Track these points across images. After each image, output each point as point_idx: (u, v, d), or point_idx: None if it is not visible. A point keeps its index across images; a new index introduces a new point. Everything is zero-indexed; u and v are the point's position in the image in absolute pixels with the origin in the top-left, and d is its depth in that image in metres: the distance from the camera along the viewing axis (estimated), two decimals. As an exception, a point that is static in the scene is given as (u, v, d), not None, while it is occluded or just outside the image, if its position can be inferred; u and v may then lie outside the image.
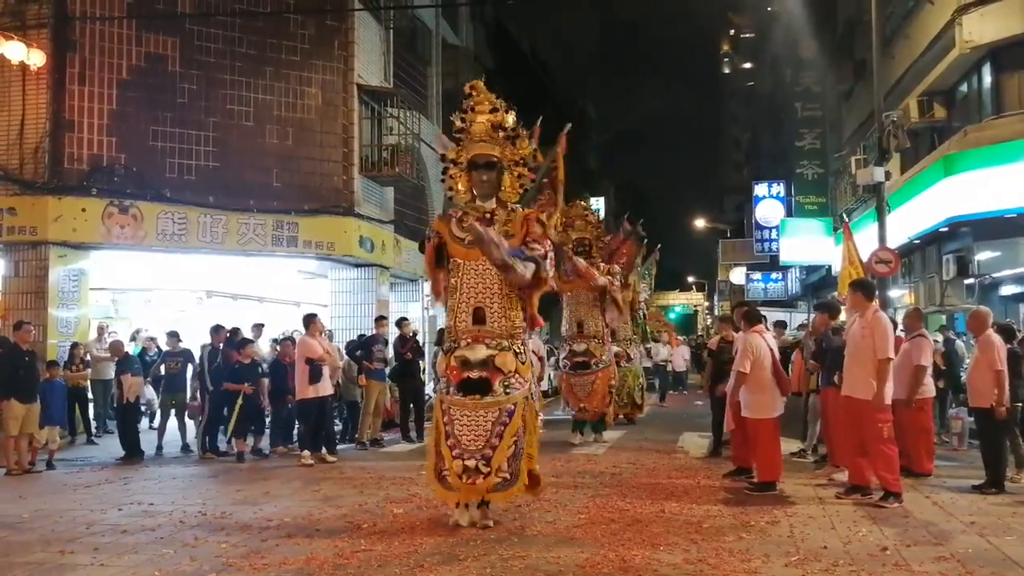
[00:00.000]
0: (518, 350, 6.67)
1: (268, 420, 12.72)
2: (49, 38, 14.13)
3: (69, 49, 14.32)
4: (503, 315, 6.62)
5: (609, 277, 13.02)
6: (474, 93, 6.89)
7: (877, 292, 9.61)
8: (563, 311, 13.17)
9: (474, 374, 6.52)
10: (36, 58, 13.66)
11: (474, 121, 6.85)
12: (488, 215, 6.80)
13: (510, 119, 6.89)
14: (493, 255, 6.32)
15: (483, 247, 6.31)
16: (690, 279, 64.18)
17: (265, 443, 12.18)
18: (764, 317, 12.57)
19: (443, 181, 7.23)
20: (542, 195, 7.97)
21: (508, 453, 6.44)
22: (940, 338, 12.32)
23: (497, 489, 6.52)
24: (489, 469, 6.40)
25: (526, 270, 6.47)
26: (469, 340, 6.63)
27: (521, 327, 6.75)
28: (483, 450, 6.41)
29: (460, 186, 7.10)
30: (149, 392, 13.20)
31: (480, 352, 6.55)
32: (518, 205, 6.97)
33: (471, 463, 6.40)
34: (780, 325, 14.14)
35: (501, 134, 6.85)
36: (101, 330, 14.54)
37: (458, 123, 6.94)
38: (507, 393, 6.50)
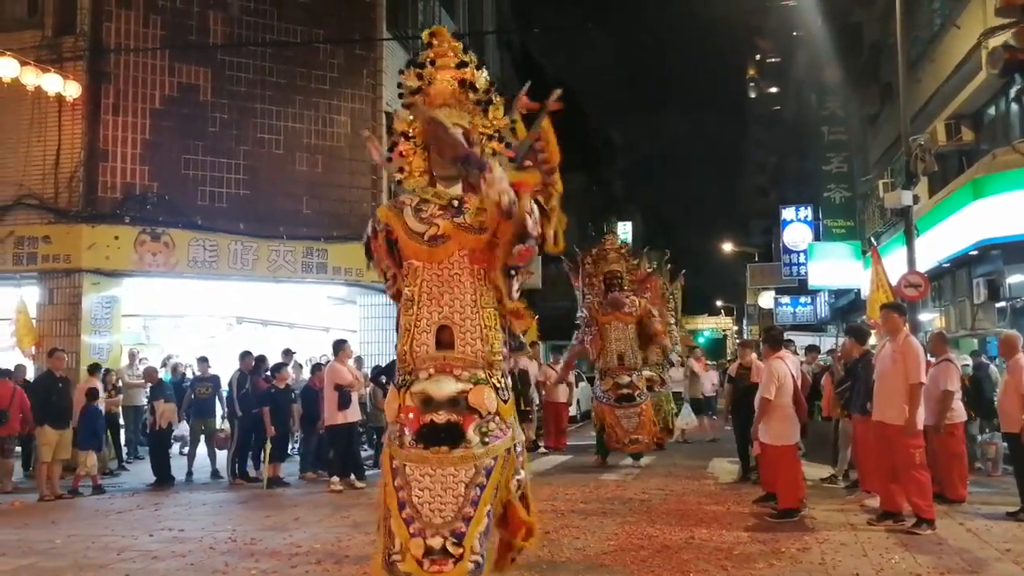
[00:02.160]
0: (499, 383, 4.74)
1: (297, 447, 12.81)
2: (85, 70, 14.44)
3: (104, 80, 14.63)
4: (479, 336, 4.67)
5: (650, 309, 13.24)
6: (435, 41, 4.98)
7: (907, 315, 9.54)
8: (599, 343, 13.19)
9: (440, 417, 4.56)
10: (72, 89, 13.99)
11: (435, 79, 4.92)
12: (455, 203, 4.82)
13: (482, 78, 5.01)
14: (454, 147, 4.70)
15: (437, 133, 4.74)
16: (718, 303, 63.84)
17: (290, 470, 12.24)
18: (791, 341, 12.55)
19: (389, 160, 5.23)
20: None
21: (480, 527, 4.50)
22: (968, 362, 12.16)
23: None
24: (462, 550, 4.42)
25: (504, 186, 4.45)
26: (432, 371, 4.66)
27: (502, 352, 4.79)
28: (453, 523, 4.44)
29: (414, 165, 5.07)
30: (183, 428, 13.24)
31: (448, 386, 4.60)
32: None
33: (436, 542, 4.41)
34: (812, 350, 14.06)
35: (471, 96, 4.97)
36: (133, 356, 14.70)
37: (412, 81, 4.98)
38: (485, 443, 4.57)
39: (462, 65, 4.93)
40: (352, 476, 11.16)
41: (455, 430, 4.54)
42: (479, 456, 4.53)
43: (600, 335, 13.19)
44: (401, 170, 5.11)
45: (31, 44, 14.24)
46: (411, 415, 4.61)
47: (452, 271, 4.72)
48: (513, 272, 4.82)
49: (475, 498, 4.47)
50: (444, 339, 4.66)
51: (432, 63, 4.92)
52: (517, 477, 4.79)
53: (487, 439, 4.57)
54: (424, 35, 5.08)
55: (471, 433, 4.54)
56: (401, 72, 5.09)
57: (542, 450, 14.96)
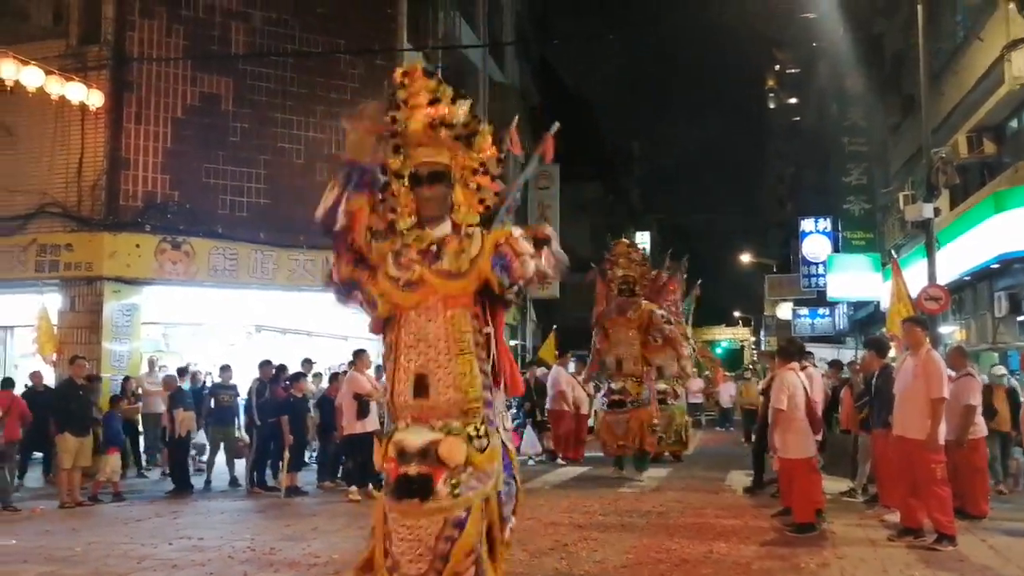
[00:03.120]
0: (475, 431, 4.58)
1: (314, 456, 12.83)
2: (108, 79, 14.64)
3: (126, 89, 14.82)
4: (451, 384, 4.54)
5: (670, 327, 13.06)
6: (407, 81, 4.72)
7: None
8: (604, 347, 13.13)
9: (412, 469, 4.48)
10: (95, 98, 14.18)
11: (409, 119, 4.71)
12: (434, 248, 4.66)
13: (460, 112, 4.72)
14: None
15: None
16: (736, 314, 63.58)
17: (308, 479, 12.26)
18: (809, 353, 12.43)
19: (383, 201, 4.87)
20: (510, 213, 5.10)
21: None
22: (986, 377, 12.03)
23: None
24: None
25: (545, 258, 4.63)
26: (408, 420, 4.63)
27: (479, 398, 4.61)
28: (427, 575, 4.44)
29: (404, 204, 4.80)
30: (202, 437, 13.29)
31: (420, 436, 4.53)
32: (477, 228, 4.73)
33: None
34: (834, 365, 13.91)
35: (445, 133, 4.72)
36: (152, 364, 14.80)
37: (389, 124, 4.80)
38: (456, 495, 4.46)
39: (435, 101, 4.67)
40: (370, 486, 11.16)
41: (425, 483, 4.45)
42: (447, 508, 4.44)
43: (605, 340, 13.11)
44: (394, 209, 4.82)
45: (55, 53, 14.44)
46: (391, 466, 4.59)
47: (427, 317, 4.60)
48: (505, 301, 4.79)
49: (444, 552, 4.40)
50: (420, 386, 4.57)
51: (405, 103, 4.69)
52: (509, 526, 4.71)
53: (457, 490, 4.46)
54: (397, 74, 4.80)
55: (440, 485, 4.44)
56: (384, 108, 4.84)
57: (559, 461, 14.93)
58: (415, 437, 4.52)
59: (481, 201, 4.78)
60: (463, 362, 4.56)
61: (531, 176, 5.25)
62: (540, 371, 16.85)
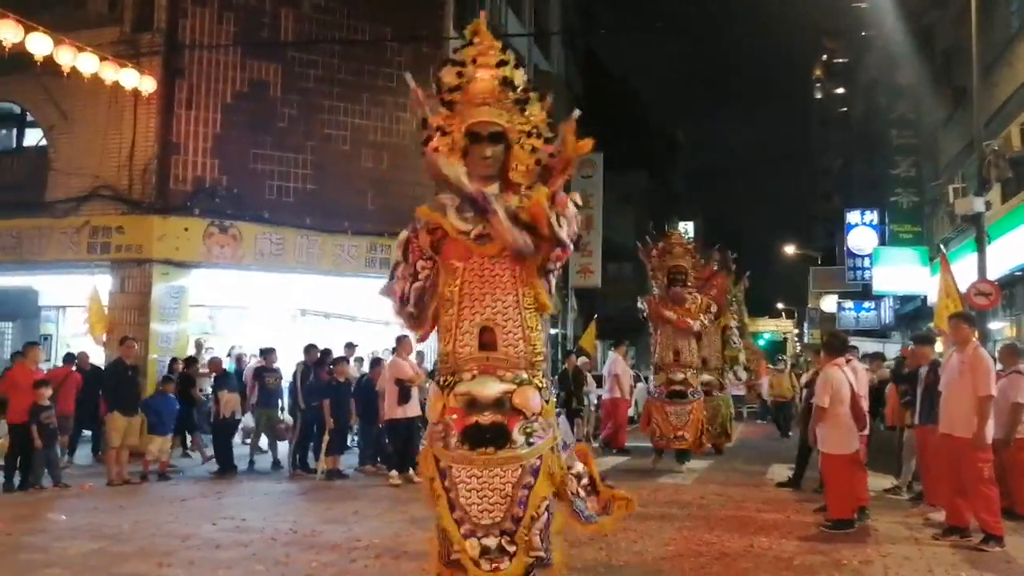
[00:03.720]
0: (541, 384, 4.72)
1: (356, 440, 12.96)
2: (160, 65, 14.86)
3: (178, 76, 15.04)
4: (521, 337, 4.65)
5: (701, 320, 13.07)
6: (476, 40, 4.88)
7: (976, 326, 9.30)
8: (657, 338, 13.14)
9: (485, 418, 4.55)
10: (147, 84, 14.40)
11: (475, 77, 4.81)
12: None
13: (519, 77, 4.89)
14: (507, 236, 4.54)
15: (493, 221, 4.54)
16: (779, 305, 62.90)
17: (349, 462, 12.40)
18: (854, 347, 12.28)
19: (423, 155, 5.01)
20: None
21: (538, 524, 4.55)
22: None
23: (531, 572, 4.58)
24: (515, 548, 4.49)
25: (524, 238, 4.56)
26: (475, 372, 4.66)
27: (543, 353, 4.79)
28: (503, 524, 4.48)
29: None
30: (248, 419, 13.51)
31: (492, 387, 4.59)
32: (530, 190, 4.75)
33: (491, 542, 4.47)
34: (877, 357, 13.74)
35: (510, 96, 4.84)
36: (199, 346, 15.04)
37: (451, 79, 4.88)
38: (530, 443, 4.56)
39: (502, 64, 4.83)
40: (411, 471, 11.26)
41: (500, 431, 4.53)
42: (524, 456, 4.53)
43: (658, 330, 13.12)
44: (435, 151, 4.93)
45: (110, 40, 14.68)
46: (455, 416, 4.61)
47: (494, 271, 4.68)
48: (550, 269, 4.78)
49: (522, 498, 4.48)
50: (486, 340, 4.65)
51: (474, 61, 4.83)
52: (576, 471, 4.80)
53: (532, 439, 4.56)
54: (467, 32, 4.96)
55: (516, 434, 4.53)
56: (442, 66, 4.98)
57: (595, 446, 14.97)
58: (487, 387, 4.58)
59: (537, 161, 4.85)
60: (530, 316, 4.70)
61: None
62: (581, 360, 16.83)
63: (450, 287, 4.73)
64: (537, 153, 4.86)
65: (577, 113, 4.98)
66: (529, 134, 4.87)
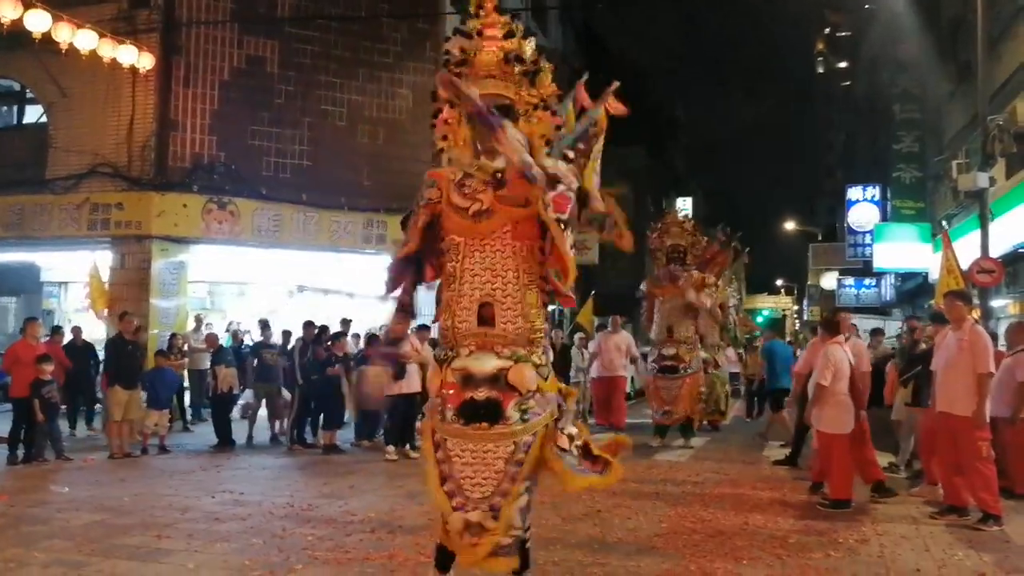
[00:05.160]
0: (539, 361, 4.75)
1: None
2: (158, 42, 14.80)
3: (175, 53, 14.97)
4: (520, 313, 4.65)
5: (708, 291, 13.08)
6: (482, 12, 4.84)
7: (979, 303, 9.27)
8: (654, 314, 13.20)
9: (480, 394, 4.59)
10: (145, 61, 14.36)
11: (480, 49, 4.80)
12: (498, 176, 4.70)
13: (528, 49, 4.87)
14: (466, 104, 4.60)
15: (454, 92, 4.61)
16: (779, 282, 62.91)
17: (345, 436, 12.45)
18: (853, 325, 12.25)
19: (433, 127, 5.07)
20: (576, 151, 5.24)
21: (519, 503, 4.53)
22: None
23: (500, 553, 4.54)
24: (496, 525, 4.48)
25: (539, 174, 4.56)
26: (473, 347, 4.71)
27: (543, 329, 4.80)
28: (492, 499, 4.50)
29: (459, 134, 4.97)
30: (247, 394, 13.52)
31: (488, 363, 4.62)
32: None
33: (474, 516, 4.48)
34: (877, 333, 13.70)
35: (517, 68, 4.83)
36: (199, 321, 15.06)
37: (456, 52, 4.85)
38: (524, 420, 4.57)
39: (509, 35, 4.81)
40: (407, 446, 11.31)
41: (494, 407, 4.56)
42: (517, 433, 4.55)
43: (654, 307, 13.17)
44: (444, 137, 5.00)
45: (108, 17, 14.63)
46: (452, 391, 4.65)
47: (495, 247, 4.69)
48: (564, 225, 4.62)
49: (513, 474, 4.51)
50: (485, 315, 4.66)
51: (479, 34, 4.81)
52: (568, 432, 4.75)
53: (526, 416, 4.58)
54: (471, 4, 4.91)
55: (510, 410, 4.56)
56: (447, 39, 4.97)
57: (591, 422, 14.99)
58: (483, 363, 4.62)
59: (542, 136, 4.85)
60: (530, 294, 4.71)
61: (583, 132, 5.24)
62: (578, 336, 16.82)
63: (452, 263, 4.75)
64: (543, 127, 4.86)
65: (616, 84, 5.19)
66: (536, 107, 4.86)
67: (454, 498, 4.53)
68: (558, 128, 4.93)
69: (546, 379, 4.74)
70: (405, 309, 5.06)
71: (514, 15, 4.98)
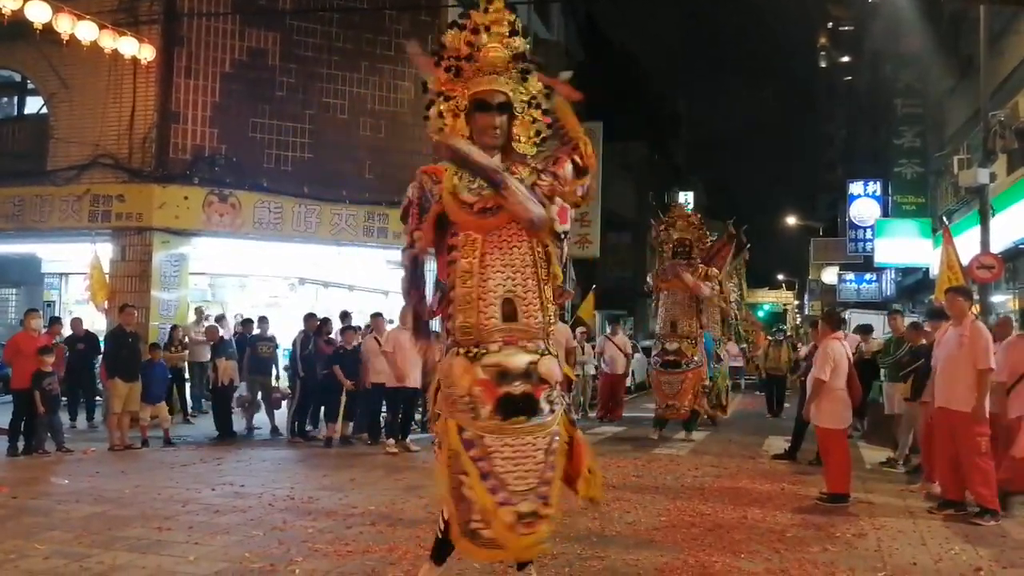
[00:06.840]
0: (555, 352, 4.88)
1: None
2: (159, 34, 14.77)
3: (177, 44, 14.93)
4: (540, 307, 4.72)
5: (709, 284, 13.12)
6: (491, 9, 4.85)
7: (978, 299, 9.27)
8: (657, 309, 13.25)
9: (516, 389, 4.58)
10: (147, 52, 14.33)
11: (488, 46, 4.81)
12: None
13: (524, 46, 4.91)
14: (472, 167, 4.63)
15: (473, 166, 4.61)
16: (780, 277, 62.91)
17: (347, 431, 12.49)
18: (844, 321, 12.27)
19: (426, 119, 5.05)
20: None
21: (558, 489, 4.68)
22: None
23: (547, 538, 4.68)
24: (550, 510, 4.57)
25: (534, 205, 4.64)
26: (500, 343, 4.67)
27: (554, 322, 4.91)
28: (538, 489, 4.56)
29: (456, 128, 4.95)
30: (243, 388, 13.51)
31: (521, 358, 4.63)
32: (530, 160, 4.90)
33: (526, 507, 4.49)
34: (865, 330, 13.60)
35: (519, 67, 4.86)
36: (200, 313, 15.07)
37: (460, 46, 4.86)
38: (552, 411, 4.67)
39: (514, 33, 4.83)
40: (408, 440, 11.34)
41: (530, 401, 4.58)
42: (550, 424, 4.62)
43: (658, 302, 13.25)
44: (440, 131, 4.93)
45: (109, 7, 14.59)
46: (486, 388, 4.58)
47: (511, 243, 4.68)
48: (563, 236, 4.76)
49: (552, 463, 4.59)
50: (507, 311, 4.65)
51: (487, 29, 4.80)
52: (572, 417, 4.89)
53: (554, 407, 4.66)
54: (480, 2, 4.87)
55: (543, 402, 4.60)
56: (448, 29, 4.92)
57: (592, 416, 15.07)
58: (516, 358, 4.62)
59: (537, 133, 4.93)
60: (547, 287, 4.77)
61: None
62: (579, 330, 16.85)
63: (468, 259, 4.68)
64: (537, 124, 4.91)
65: (568, 74, 4.99)
66: (528, 104, 4.89)
67: (498, 493, 4.49)
68: (548, 126, 4.94)
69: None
70: (425, 329, 5.06)
71: (512, 8, 4.95)
